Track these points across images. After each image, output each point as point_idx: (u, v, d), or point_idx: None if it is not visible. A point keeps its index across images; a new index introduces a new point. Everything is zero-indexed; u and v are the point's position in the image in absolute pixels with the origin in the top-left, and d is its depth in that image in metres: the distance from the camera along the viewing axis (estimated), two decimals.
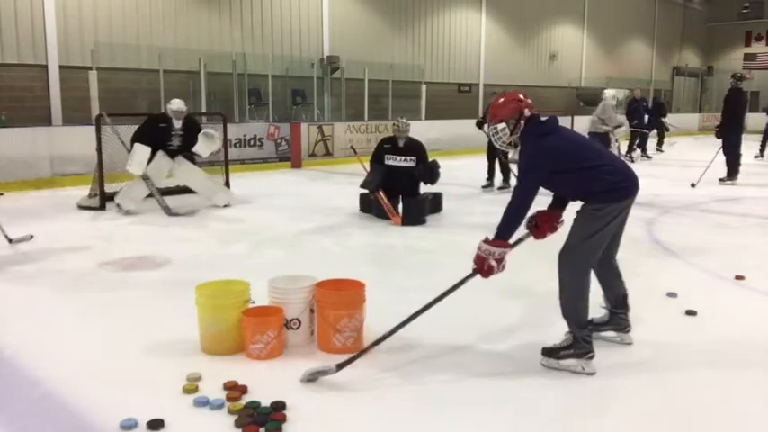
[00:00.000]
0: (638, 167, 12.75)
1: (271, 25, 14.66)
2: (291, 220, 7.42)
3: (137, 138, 7.75)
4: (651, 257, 5.78)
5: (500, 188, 9.68)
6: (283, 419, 2.73)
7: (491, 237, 3.24)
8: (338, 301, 3.51)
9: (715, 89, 29.47)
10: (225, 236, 6.57)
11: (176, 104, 7.90)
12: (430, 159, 7.66)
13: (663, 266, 5.52)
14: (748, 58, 30.11)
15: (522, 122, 3.36)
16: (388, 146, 7.59)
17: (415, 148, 7.58)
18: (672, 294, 4.51)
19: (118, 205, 7.67)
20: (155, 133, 7.78)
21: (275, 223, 7.23)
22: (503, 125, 3.39)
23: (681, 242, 6.28)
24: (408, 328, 3.83)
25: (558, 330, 3.44)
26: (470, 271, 3.32)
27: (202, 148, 7.90)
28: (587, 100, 23.11)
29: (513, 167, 9.93)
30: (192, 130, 7.99)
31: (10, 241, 5.92)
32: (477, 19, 19.78)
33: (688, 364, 3.42)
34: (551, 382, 3.19)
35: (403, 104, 16.57)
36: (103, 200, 7.91)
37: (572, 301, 3.31)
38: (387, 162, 7.52)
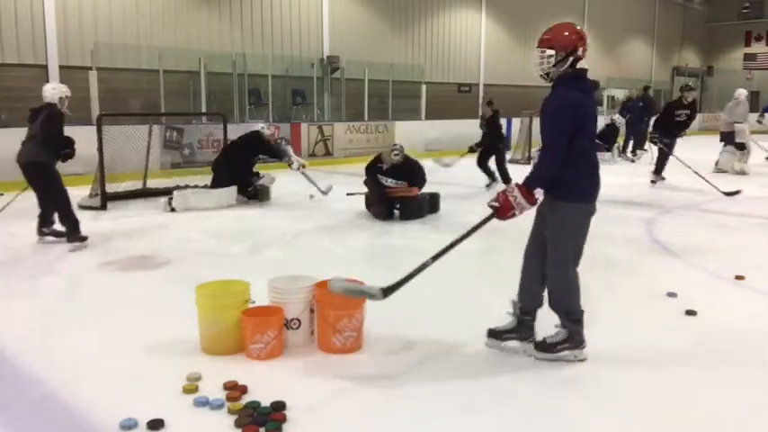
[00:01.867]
0: (638, 167, 12.79)
1: (271, 25, 14.66)
2: (291, 220, 7.42)
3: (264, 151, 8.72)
4: (651, 257, 5.78)
5: (488, 185, 9.80)
6: (283, 419, 2.73)
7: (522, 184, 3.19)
8: (338, 300, 3.50)
9: (715, 89, 29.45)
10: (225, 236, 6.57)
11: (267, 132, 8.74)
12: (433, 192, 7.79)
13: (663, 266, 5.51)
14: (748, 58, 30.11)
15: (571, 60, 3.17)
16: (381, 165, 7.56)
17: (407, 173, 7.49)
18: (672, 294, 4.50)
19: (171, 204, 7.90)
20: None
21: (275, 223, 7.23)
22: (552, 52, 3.17)
23: (681, 242, 6.28)
24: (408, 328, 3.84)
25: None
26: (489, 212, 3.28)
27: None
28: None
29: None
30: None
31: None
32: (477, 19, 19.78)
33: (688, 364, 3.42)
34: (550, 382, 3.19)
35: (403, 104, 16.57)
36: (104, 199, 7.92)
37: (564, 295, 3.35)
38: (380, 180, 7.52)
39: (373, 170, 7.59)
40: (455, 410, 2.88)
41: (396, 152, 7.46)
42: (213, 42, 13.55)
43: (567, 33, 3.19)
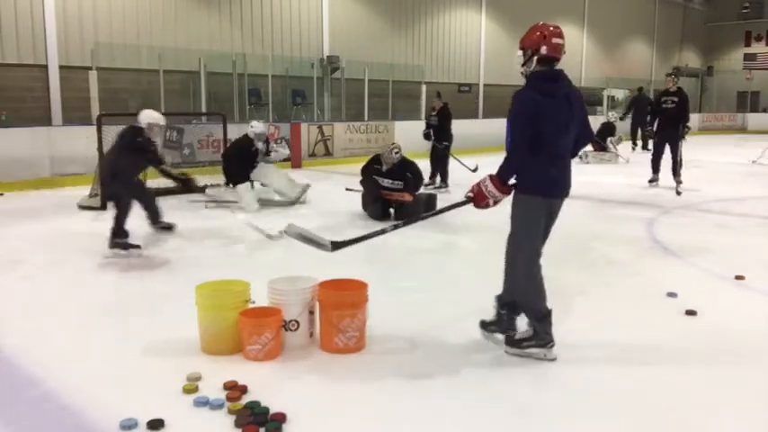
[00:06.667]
0: (638, 167, 12.77)
1: (271, 25, 14.66)
2: (291, 220, 7.38)
3: (235, 171, 8.14)
4: (651, 257, 5.77)
5: (437, 187, 9.80)
6: (283, 419, 2.73)
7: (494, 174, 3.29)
8: (341, 300, 3.51)
9: (715, 89, 29.45)
10: (225, 236, 6.56)
11: (260, 128, 8.25)
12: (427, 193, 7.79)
13: (663, 266, 5.51)
14: (748, 58, 30.09)
15: (535, 60, 3.27)
16: (378, 167, 7.55)
17: (403, 172, 7.47)
18: (672, 294, 4.50)
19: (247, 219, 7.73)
20: (247, 159, 8.17)
21: (275, 223, 7.20)
22: (520, 53, 3.35)
23: (681, 242, 6.27)
24: (409, 327, 3.83)
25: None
26: (465, 199, 3.40)
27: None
28: (587, 100, 23.16)
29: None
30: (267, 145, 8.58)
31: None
32: (477, 19, 19.78)
33: (688, 365, 3.42)
34: (551, 382, 3.19)
35: (403, 104, 16.57)
36: (104, 200, 7.90)
37: (527, 293, 3.42)
38: (378, 181, 7.49)
39: (370, 171, 7.59)
40: (457, 411, 2.88)
41: (396, 150, 7.48)
42: (213, 42, 13.54)
43: (532, 33, 3.30)
